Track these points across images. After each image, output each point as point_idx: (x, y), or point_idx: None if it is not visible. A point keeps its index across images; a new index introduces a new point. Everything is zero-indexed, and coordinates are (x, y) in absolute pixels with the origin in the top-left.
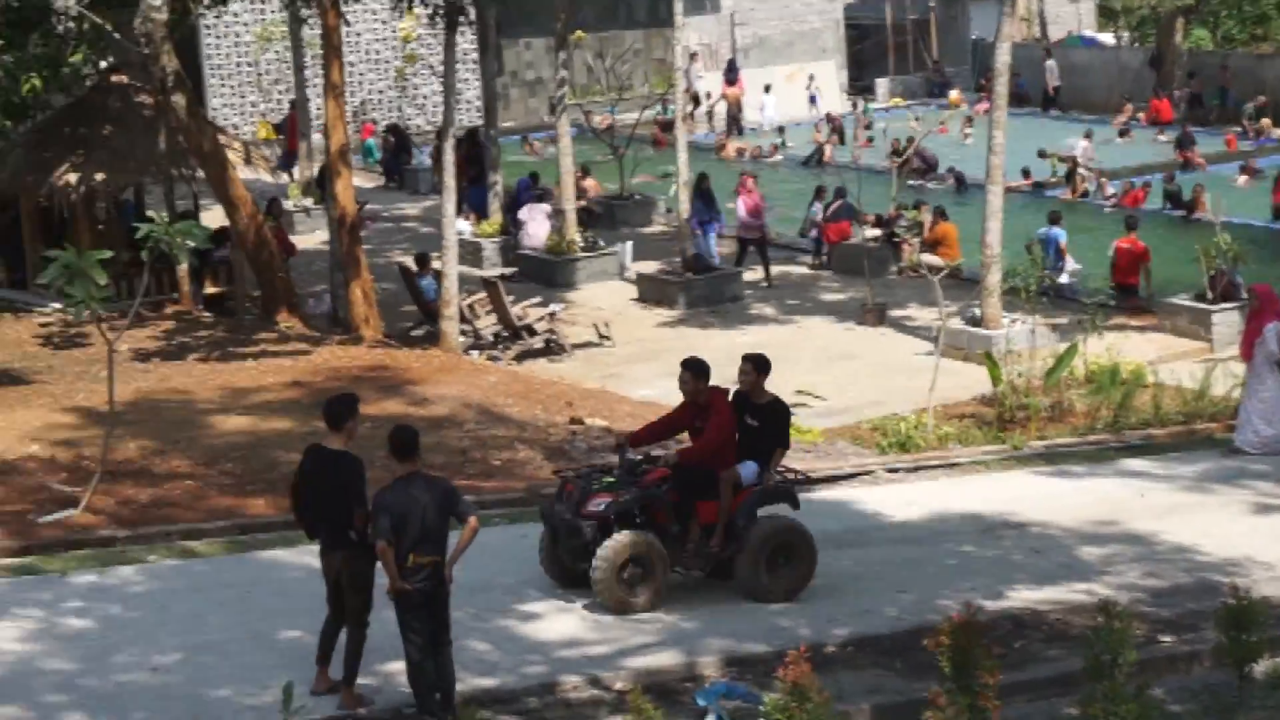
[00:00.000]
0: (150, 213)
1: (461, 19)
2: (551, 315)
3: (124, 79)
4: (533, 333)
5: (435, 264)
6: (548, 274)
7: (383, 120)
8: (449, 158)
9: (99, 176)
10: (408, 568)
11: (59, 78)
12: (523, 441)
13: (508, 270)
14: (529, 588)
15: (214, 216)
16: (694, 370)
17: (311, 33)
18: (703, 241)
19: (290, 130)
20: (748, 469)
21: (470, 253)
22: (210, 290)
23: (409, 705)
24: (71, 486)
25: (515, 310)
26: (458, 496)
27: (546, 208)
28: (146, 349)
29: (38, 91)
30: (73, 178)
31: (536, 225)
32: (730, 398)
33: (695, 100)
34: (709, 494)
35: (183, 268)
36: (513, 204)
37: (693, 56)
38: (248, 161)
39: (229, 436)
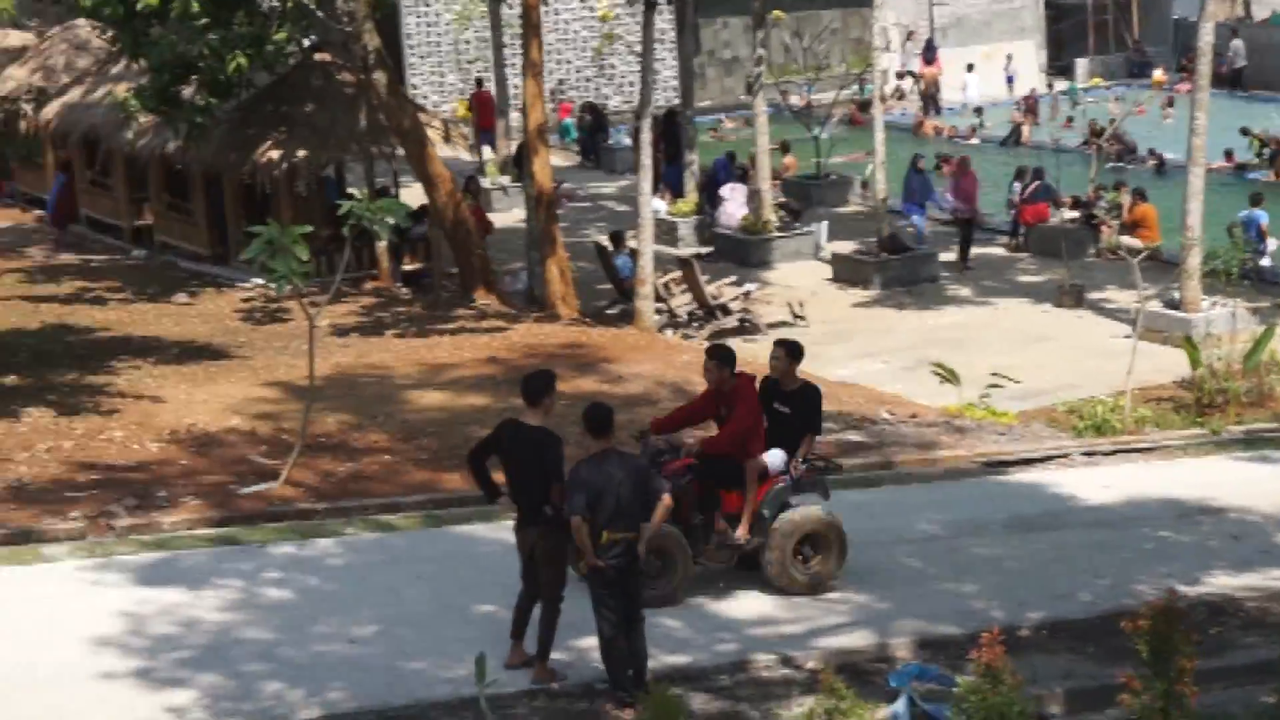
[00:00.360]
0: (350, 190)
1: None
2: (746, 294)
3: (326, 57)
4: (727, 312)
5: (631, 242)
6: (743, 253)
7: (580, 99)
8: (646, 136)
9: (301, 153)
10: (602, 544)
11: (263, 56)
12: None
13: (703, 249)
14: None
15: (412, 194)
16: (719, 358)
17: (510, 11)
18: (918, 221)
19: (481, 108)
20: (774, 457)
21: (665, 231)
22: (409, 267)
23: (601, 681)
24: (271, 459)
25: (710, 289)
26: (651, 473)
27: (745, 188)
28: (345, 324)
29: (242, 70)
30: (275, 155)
31: (735, 204)
32: (759, 385)
33: (913, 79)
34: (734, 484)
35: (382, 244)
36: (709, 183)
37: (909, 35)
38: (447, 140)
39: (426, 412)
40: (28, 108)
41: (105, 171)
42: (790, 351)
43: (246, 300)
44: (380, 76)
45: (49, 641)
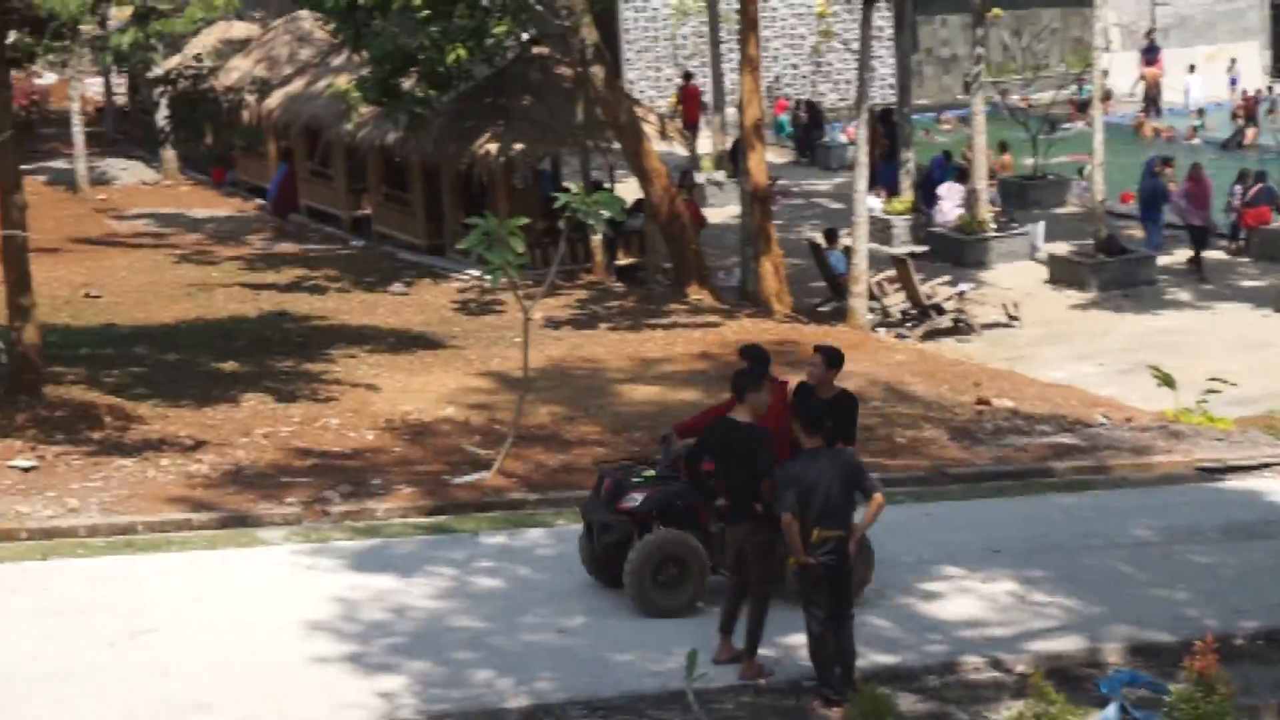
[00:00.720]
0: (566, 183)
1: None
2: (960, 294)
3: (544, 50)
4: (941, 311)
5: (845, 240)
6: (957, 253)
7: (795, 96)
8: (862, 134)
9: (518, 146)
10: (812, 541)
11: (482, 48)
12: (928, 420)
13: (917, 248)
14: (930, 565)
15: (628, 188)
16: (749, 358)
17: (728, 7)
18: (1152, 227)
19: (687, 101)
20: None
21: (880, 230)
22: (623, 260)
23: (809, 678)
24: (484, 449)
25: (924, 288)
26: (863, 471)
27: (961, 187)
28: (559, 317)
29: (461, 62)
30: (493, 147)
31: (951, 203)
32: (794, 390)
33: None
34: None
35: (597, 238)
36: (925, 181)
37: (1149, 34)
38: (663, 134)
39: (637, 405)
40: (251, 98)
41: (325, 162)
42: (828, 359)
43: (462, 291)
44: (598, 70)
45: (264, 625)
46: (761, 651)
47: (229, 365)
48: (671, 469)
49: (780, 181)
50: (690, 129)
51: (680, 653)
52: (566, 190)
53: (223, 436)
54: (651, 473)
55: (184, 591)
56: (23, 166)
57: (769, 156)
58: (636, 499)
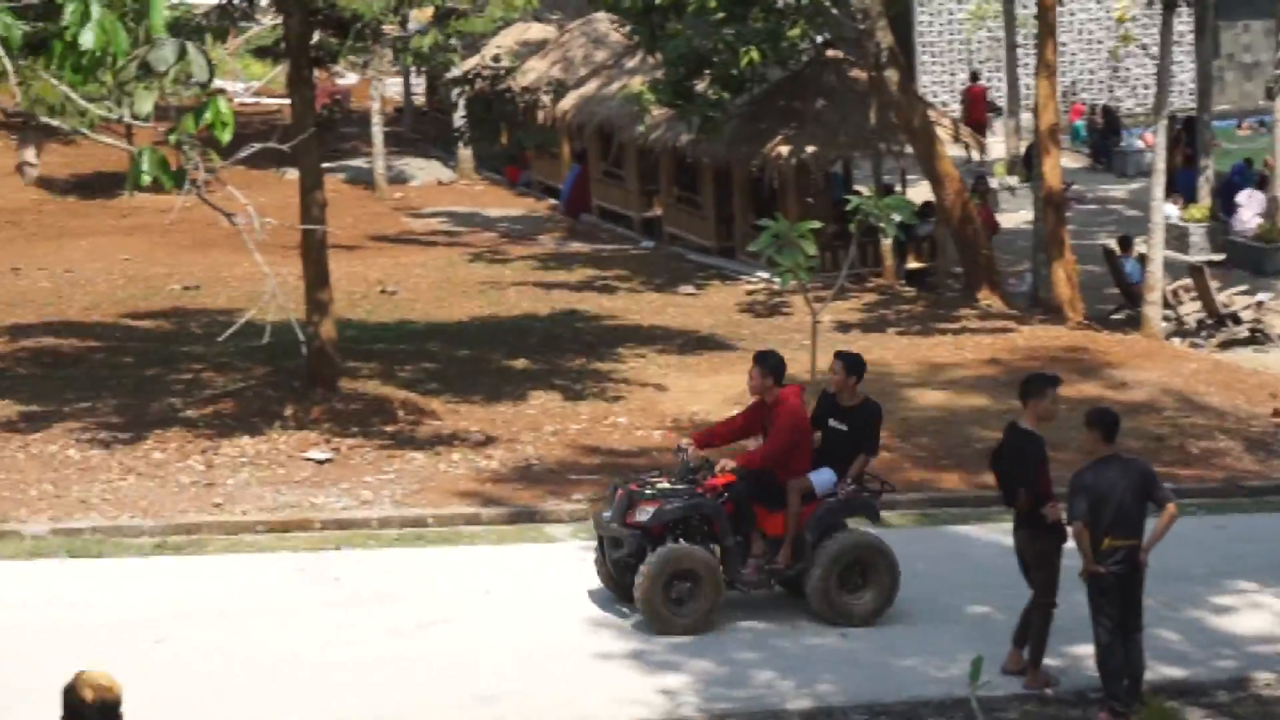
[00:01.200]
0: (857, 186)
1: (1179, 0)
2: (1258, 304)
3: (838, 54)
4: (1238, 321)
5: (1140, 247)
6: (1256, 261)
7: (1091, 101)
8: (1161, 140)
9: (810, 149)
10: (1102, 550)
11: (777, 51)
12: (1223, 431)
13: (1215, 256)
14: (1222, 579)
15: (918, 192)
16: (762, 365)
17: (1025, 11)
18: None
19: (972, 103)
20: (822, 477)
21: (1176, 237)
22: (913, 265)
23: (1095, 689)
24: None
25: (1220, 298)
26: (1156, 481)
27: (1262, 195)
28: (847, 320)
29: (754, 64)
30: (784, 150)
31: (1251, 211)
32: (819, 398)
33: None
34: (776, 504)
35: (887, 242)
36: (1224, 189)
37: None
38: (955, 139)
39: (924, 410)
40: (547, 99)
41: (618, 163)
42: (849, 365)
43: (750, 293)
44: (892, 74)
45: (549, 620)
46: (1048, 661)
47: (520, 362)
48: (687, 481)
49: (1074, 187)
50: (975, 130)
51: (965, 659)
52: (858, 194)
53: (512, 432)
54: (665, 485)
55: (472, 585)
56: (324, 165)
57: (1064, 162)
58: (647, 512)
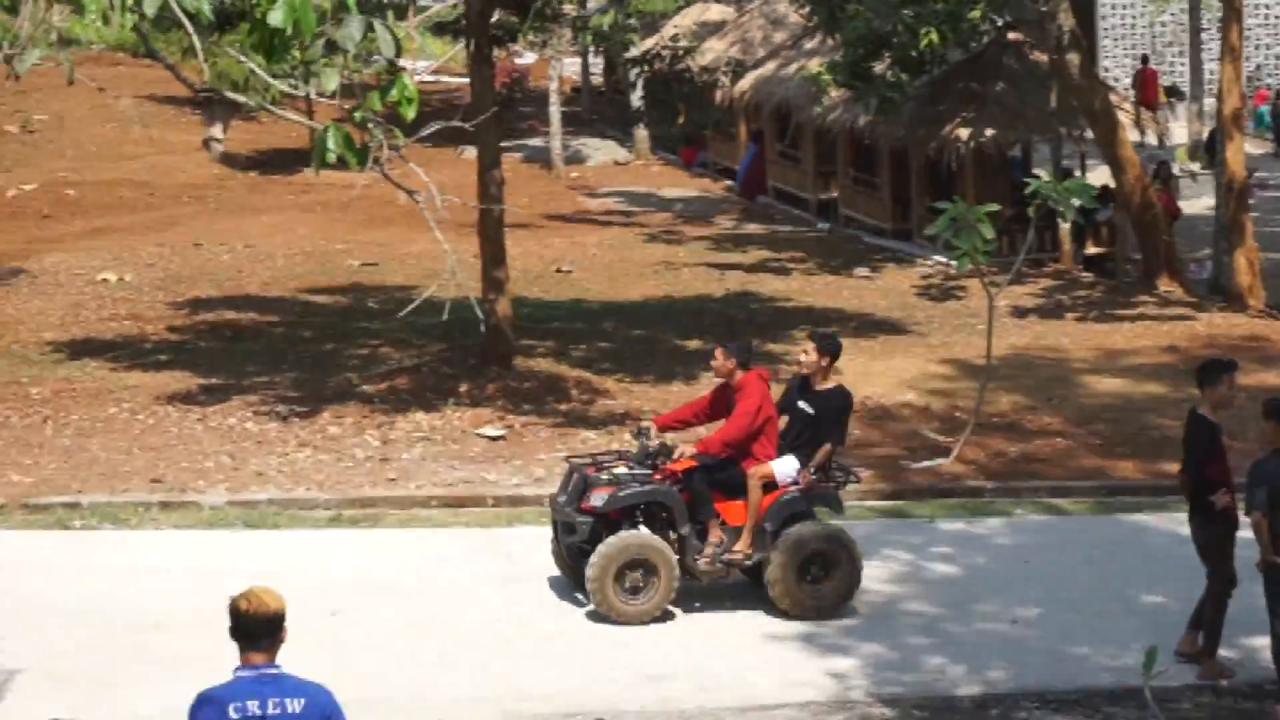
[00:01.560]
0: (1036, 170)
1: None
2: None
3: (1019, 36)
4: None
5: None
6: None
7: (1277, 86)
8: None
9: (989, 132)
10: None
11: (957, 33)
12: None
13: None
14: None
15: (1097, 177)
16: (726, 346)
17: None
18: None
19: (1144, 85)
20: (784, 465)
21: None
22: (1091, 250)
23: (1270, 682)
24: (943, 436)
25: None
26: None
27: None
28: (1023, 305)
29: (934, 46)
30: (963, 132)
31: None
32: (790, 383)
33: None
34: (736, 492)
35: (1066, 226)
36: None
37: None
38: (1136, 123)
39: (1100, 397)
40: (725, 79)
41: (794, 144)
42: (821, 346)
43: (925, 277)
44: (1073, 57)
45: (718, 599)
46: (1223, 652)
47: (693, 343)
48: (645, 465)
49: (1258, 173)
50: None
51: (1138, 648)
52: (1037, 177)
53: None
54: (622, 469)
55: None
56: (502, 144)
57: (1246, 148)
58: (601, 498)
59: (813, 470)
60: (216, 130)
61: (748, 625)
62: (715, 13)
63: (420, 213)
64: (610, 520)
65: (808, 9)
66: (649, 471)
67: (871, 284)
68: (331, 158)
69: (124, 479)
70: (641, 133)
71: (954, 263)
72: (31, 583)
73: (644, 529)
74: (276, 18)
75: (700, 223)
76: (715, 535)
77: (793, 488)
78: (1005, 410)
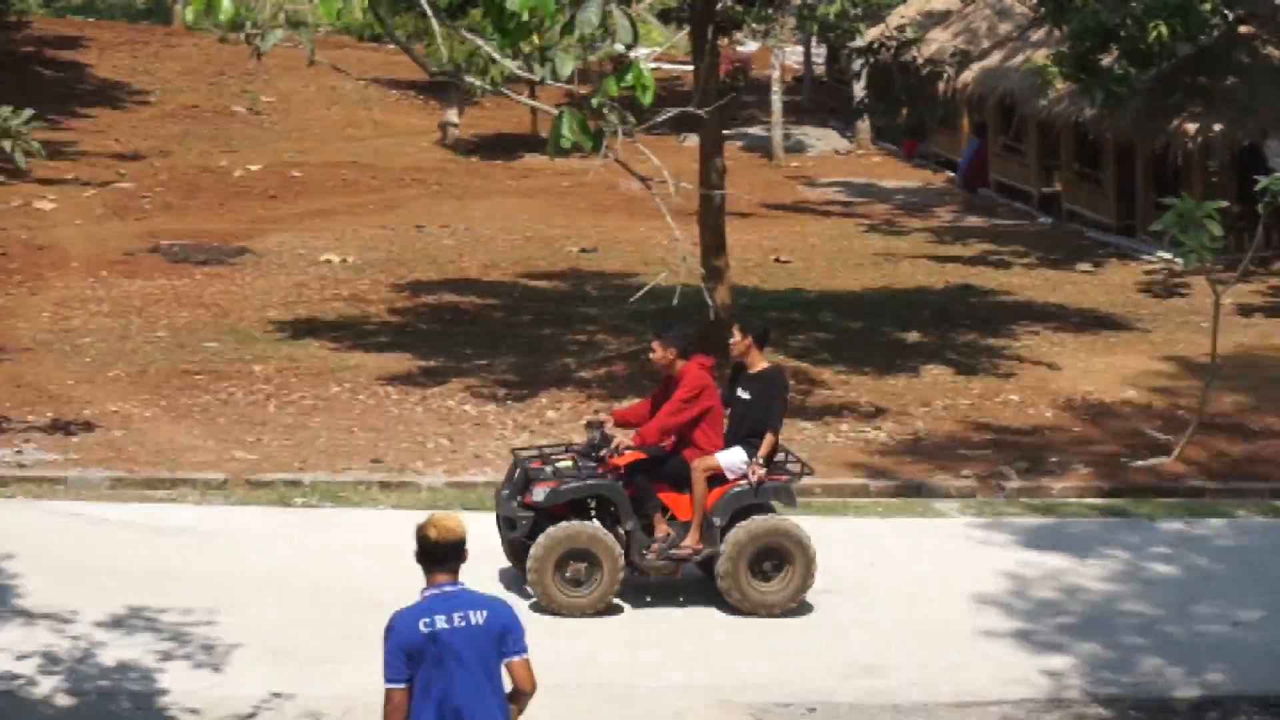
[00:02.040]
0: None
1: None
2: None
3: (1251, 30)
4: None
5: None
6: None
7: None
8: None
9: (1217, 127)
10: None
11: (1187, 26)
12: None
13: None
14: None
15: None
16: (662, 336)
17: None
18: None
19: None
20: (731, 457)
21: None
22: None
23: None
24: (1165, 434)
25: None
26: None
27: None
28: (1250, 304)
29: (1162, 39)
30: (1191, 127)
31: None
32: (730, 371)
33: None
34: (684, 485)
35: None
36: None
37: None
38: None
39: None
40: (949, 70)
41: (1018, 137)
42: (745, 328)
43: (1149, 273)
44: None
45: (934, 595)
46: None
47: (912, 335)
48: (587, 459)
49: None
50: None
51: None
52: (1269, 173)
53: (902, 406)
54: (566, 463)
55: (860, 556)
56: (724, 132)
57: None
58: (542, 493)
59: (761, 461)
60: (452, 114)
61: (964, 621)
62: (940, 2)
63: (639, 201)
64: (553, 515)
65: (1034, 0)
66: (593, 466)
67: (1094, 279)
68: (567, 143)
69: (344, 458)
70: (863, 123)
71: (1180, 259)
72: (252, 558)
73: (595, 521)
74: (515, 1)
75: (920, 214)
76: (661, 530)
77: (742, 481)
78: (1229, 410)
